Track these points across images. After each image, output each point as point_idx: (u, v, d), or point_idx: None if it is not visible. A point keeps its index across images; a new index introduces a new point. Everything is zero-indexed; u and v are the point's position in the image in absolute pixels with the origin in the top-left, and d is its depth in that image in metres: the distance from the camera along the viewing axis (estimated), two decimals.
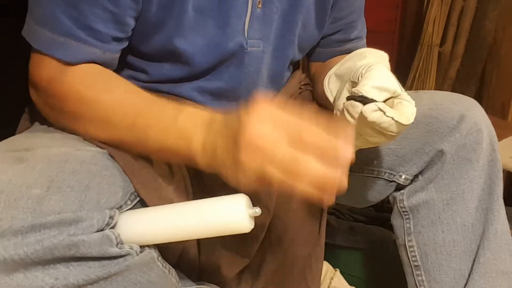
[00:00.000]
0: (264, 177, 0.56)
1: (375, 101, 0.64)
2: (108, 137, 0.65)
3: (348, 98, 0.67)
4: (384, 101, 0.66)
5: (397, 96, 0.67)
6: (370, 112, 0.64)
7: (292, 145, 0.55)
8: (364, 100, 0.64)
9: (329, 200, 0.56)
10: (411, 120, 0.66)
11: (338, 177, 0.55)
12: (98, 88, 0.67)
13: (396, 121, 0.64)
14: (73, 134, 0.68)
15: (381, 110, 0.63)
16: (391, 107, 0.66)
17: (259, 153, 0.55)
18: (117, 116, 0.65)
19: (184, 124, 0.62)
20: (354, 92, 0.66)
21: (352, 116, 0.66)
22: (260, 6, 0.76)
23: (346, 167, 0.56)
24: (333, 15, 0.88)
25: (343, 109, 0.69)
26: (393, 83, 0.66)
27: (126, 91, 0.68)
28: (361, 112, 0.64)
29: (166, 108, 0.65)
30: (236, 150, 0.56)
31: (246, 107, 0.57)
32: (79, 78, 0.67)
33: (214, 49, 0.76)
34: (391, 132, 0.65)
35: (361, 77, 0.67)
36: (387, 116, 0.64)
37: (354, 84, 0.69)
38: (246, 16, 0.76)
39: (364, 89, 0.65)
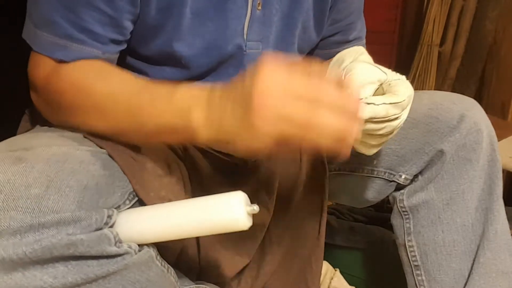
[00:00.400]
0: (281, 138, 0.55)
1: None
2: (105, 126, 0.65)
3: None
4: (374, 94, 0.66)
5: (384, 82, 0.67)
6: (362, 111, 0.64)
7: (305, 100, 0.55)
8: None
9: (346, 152, 0.57)
10: (407, 93, 0.66)
11: (353, 127, 0.56)
12: (92, 76, 0.67)
13: (391, 103, 0.64)
14: (73, 131, 0.68)
15: (369, 103, 0.64)
16: (384, 93, 0.66)
17: (274, 114, 0.54)
18: (111, 102, 0.65)
19: (181, 100, 0.61)
20: None
21: None
22: (260, 8, 0.76)
23: (358, 117, 0.57)
24: (331, 16, 0.88)
25: None
26: (373, 73, 0.67)
27: (120, 77, 0.68)
28: None
29: (160, 89, 0.64)
30: (248, 114, 0.55)
31: (251, 70, 0.56)
32: (74, 70, 0.67)
33: (213, 52, 0.76)
34: (394, 115, 0.65)
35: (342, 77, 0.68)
36: (378, 105, 0.64)
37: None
38: (245, 18, 0.76)
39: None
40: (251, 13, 0.76)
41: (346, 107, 0.55)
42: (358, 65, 0.69)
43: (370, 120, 0.65)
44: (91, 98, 0.65)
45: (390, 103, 0.64)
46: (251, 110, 0.54)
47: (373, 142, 0.69)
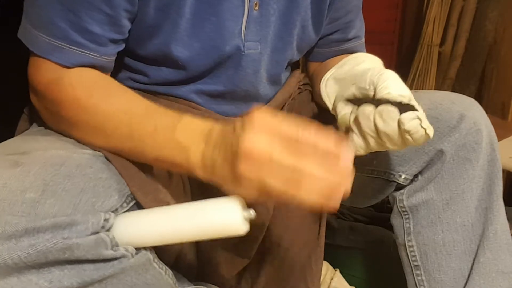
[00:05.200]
0: (264, 189, 0.55)
1: (414, 109, 0.64)
2: (104, 144, 0.65)
3: (377, 103, 0.66)
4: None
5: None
6: (409, 120, 0.63)
7: (292, 154, 0.54)
8: (400, 107, 0.64)
9: (333, 207, 0.56)
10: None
11: (342, 183, 0.55)
12: (95, 95, 0.66)
13: (426, 134, 0.64)
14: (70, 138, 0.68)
15: (419, 118, 0.63)
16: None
17: (258, 165, 0.54)
18: (113, 124, 0.64)
19: (181, 136, 0.61)
20: (380, 98, 0.66)
21: (384, 121, 0.65)
22: (257, 8, 0.76)
23: (348, 172, 0.55)
24: (330, 15, 0.88)
25: (350, 113, 0.70)
26: (408, 91, 0.66)
27: (124, 99, 0.67)
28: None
29: (164, 117, 0.64)
30: (234, 163, 0.55)
31: (241, 119, 0.57)
32: (77, 84, 0.66)
33: (211, 53, 0.75)
34: (416, 142, 0.65)
35: (373, 83, 0.67)
36: (422, 127, 0.64)
37: (363, 89, 0.68)
38: (243, 18, 0.76)
39: (394, 96, 0.64)
40: (248, 13, 0.76)
41: (335, 161, 0.54)
42: (393, 74, 0.68)
43: (400, 131, 0.65)
44: (92, 117, 0.65)
45: (426, 134, 0.64)
46: (237, 159, 0.55)
47: (370, 145, 0.69)
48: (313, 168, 0.54)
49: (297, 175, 0.54)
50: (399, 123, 0.64)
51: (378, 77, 0.67)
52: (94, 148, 0.65)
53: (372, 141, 0.68)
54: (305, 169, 0.54)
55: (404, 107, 0.65)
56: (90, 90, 0.66)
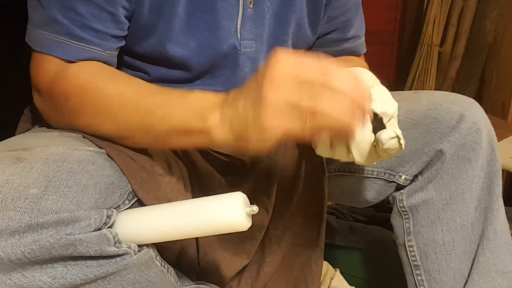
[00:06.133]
0: (292, 112, 0.54)
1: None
2: (112, 127, 0.65)
3: None
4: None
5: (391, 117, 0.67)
6: (387, 140, 0.63)
7: (316, 77, 0.55)
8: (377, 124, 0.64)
9: (353, 129, 0.56)
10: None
11: (365, 100, 0.56)
12: (100, 80, 0.67)
13: (400, 146, 0.64)
14: (72, 131, 0.68)
15: (397, 137, 0.63)
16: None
17: (282, 78, 0.54)
18: (120, 103, 0.65)
19: (195, 102, 0.62)
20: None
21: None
22: (251, 6, 0.76)
23: (369, 91, 0.57)
24: (327, 14, 0.88)
25: None
26: (394, 110, 0.66)
27: (130, 80, 0.68)
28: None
29: (173, 91, 0.65)
30: (260, 91, 0.55)
31: (262, 64, 0.57)
32: (81, 73, 0.67)
33: (207, 51, 0.76)
34: (390, 156, 0.65)
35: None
36: (400, 144, 0.64)
37: None
38: (238, 17, 0.76)
39: (376, 111, 0.64)
40: (243, 12, 0.76)
41: (356, 85, 0.56)
42: (381, 89, 0.68)
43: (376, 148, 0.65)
44: (100, 99, 0.65)
45: (400, 146, 0.65)
46: (262, 85, 0.55)
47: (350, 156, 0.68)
48: (338, 83, 0.54)
49: (324, 89, 0.54)
50: (377, 142, 0.63)
51: (368, 89, 0.67)
52: (97, 144, 0.66)
53: (341, 150, 0.67)
54: (330, 84, 0.54)
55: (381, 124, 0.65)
56: (94, 75, 0.67)
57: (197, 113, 0.61)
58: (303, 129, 0.55)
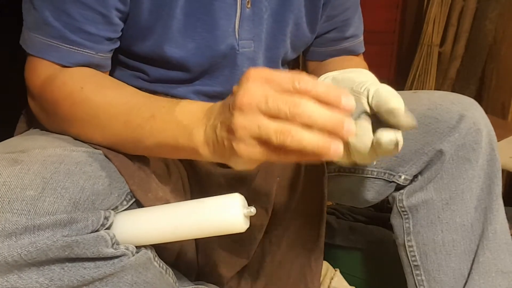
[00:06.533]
0: (262, 137, 0.51)
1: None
2: (101, 138, 0.65)
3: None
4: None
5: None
6: (387, 139, 0.61)
7: (287, 93, 0.51)
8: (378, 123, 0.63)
9: (337, 149, 0.50)
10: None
11: (345, 118, 0.50)
12: (87, 88, 0.66)
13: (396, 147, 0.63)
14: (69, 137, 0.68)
15: (397, 139, 0.62)
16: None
17: (251, 110, 0.51)
18: (108, 115, 0.64)
19: (182, 116, 0.60)
20: (371, 104, 0.64)
21: (357, 136, 0.62)
22: (249, 6, 0.76)
23: (348, 112, 0.51)
24: (326, 13, 0.88)
25: None
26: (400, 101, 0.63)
27: (118, 90, 0.67)
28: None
29: (161, 103, 0.63)
30: (231, 119, 0.52)
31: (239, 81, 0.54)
32: (69, 80, 0.67)
33: (205, 52, 0.76)
34: (389, 154, 0.63)
35: (368, 90, 0.63)
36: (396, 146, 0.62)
37: (357, 93, 0.68)
38: (236, 17, 0.76)
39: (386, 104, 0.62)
40: (241, 12, 0.76)
41: (334, 100, 0.51)
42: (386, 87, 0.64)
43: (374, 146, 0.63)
44: (87, 110, 0.65)
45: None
46: (231, 112, 0.52)
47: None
48: (310, 102, 0.50)
49: (295, 108, 0.50)
50: (377, 141, 0.61)
51: (374, 88, 0.64)
52: (93, 145, 0.65)
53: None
54: (302, 102, 0.50)
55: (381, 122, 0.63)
56: (81, 84, 0.66)
57: (184, 130, 0.59)
58: (277, 158, 0.53)
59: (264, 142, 0.52)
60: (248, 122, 0.51)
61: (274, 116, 0.51)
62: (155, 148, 0.63)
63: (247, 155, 0.53)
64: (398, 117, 0.59)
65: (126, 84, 0.69)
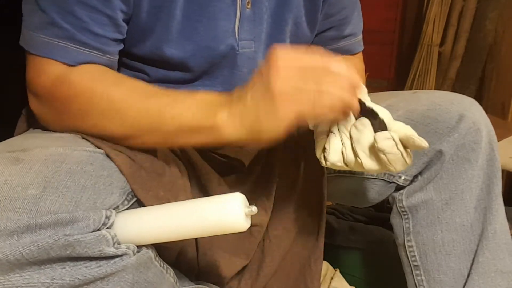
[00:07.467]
0: (301, 95, 0.59)
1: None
2: (119, 127, 0.65)
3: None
4: None
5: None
6: (383, 139, 0.63)
7: (315, 70, 0.61)
8: (375, 123, 0.65)
9: (354, 105, 0.63)
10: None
11: (358, 80, 0.63)
12: (106, 81, 0.67)
13: (403, 158, 0.64)
14: (73, 133, 0.68)
15: (393, 140, 0.63)
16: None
17: (290, 74, 0.60)
18: (129, 103, 0.65)
19: (202, 100, 0.64)
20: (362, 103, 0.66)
21: (359, 130, 0.65)
22: (249, 6, 0.77)
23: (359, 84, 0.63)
24: (324, 11, 0.87)
25: None
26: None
27: (136, 83, 0.69)
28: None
29: (179, 92, 0.67)
30: (267, 82, 0.60)
31: (263, 60, 0.62)
32: (85, 76, 0.67)
33: (205, 53, 0.76)
34: (394, 166, 0.64)
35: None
36: (398, 149, 0.63)
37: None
38: (235, 17, 0.76)
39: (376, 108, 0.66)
40: (240, 12, 0.76)
41: (350, 73, 0.62)
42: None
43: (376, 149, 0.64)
44: (108, 100, 0.65)
45: (404, 158, 0.64)
46: (269, 77, 0.59)
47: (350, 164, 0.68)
48: (336, 67, 0.61)
49: (324, 73, 0.61)
50: (375, 142, 0.63)
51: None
52: (95, 144, 0.65)
53: (348, 150, 0.66)
54: (330, 68, 0.61)
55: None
56: (100, 78, 0.68)
57: (207, 111, 0.63)
58: (312, 109, 0.60)
59: (301, 92, 0.60)
60: (285, 76, 0.60)
61: (307, 76, 0.60)
62: (175, 133, 0.65)
63: (287, 108, 0.60)
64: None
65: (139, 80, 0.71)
